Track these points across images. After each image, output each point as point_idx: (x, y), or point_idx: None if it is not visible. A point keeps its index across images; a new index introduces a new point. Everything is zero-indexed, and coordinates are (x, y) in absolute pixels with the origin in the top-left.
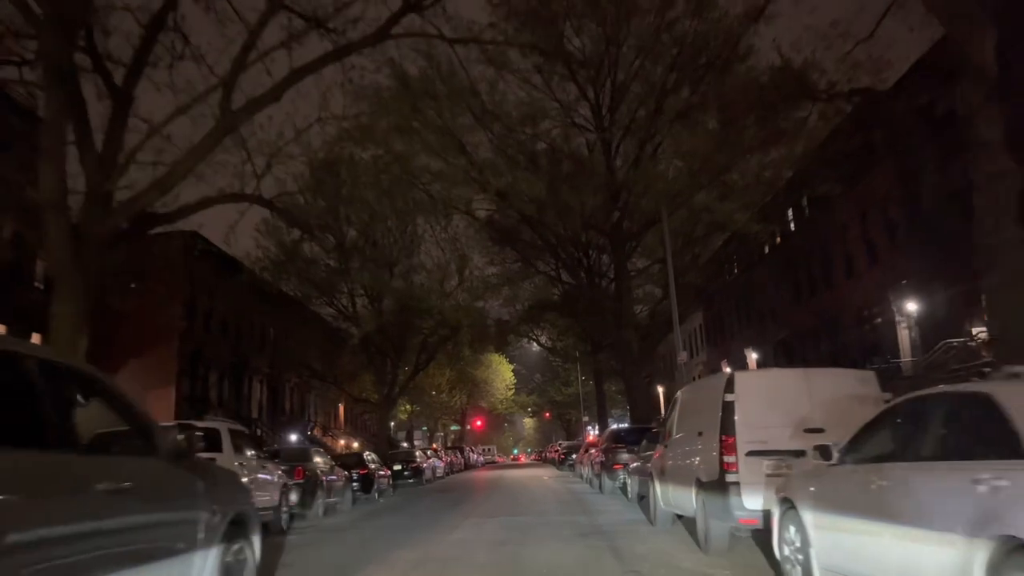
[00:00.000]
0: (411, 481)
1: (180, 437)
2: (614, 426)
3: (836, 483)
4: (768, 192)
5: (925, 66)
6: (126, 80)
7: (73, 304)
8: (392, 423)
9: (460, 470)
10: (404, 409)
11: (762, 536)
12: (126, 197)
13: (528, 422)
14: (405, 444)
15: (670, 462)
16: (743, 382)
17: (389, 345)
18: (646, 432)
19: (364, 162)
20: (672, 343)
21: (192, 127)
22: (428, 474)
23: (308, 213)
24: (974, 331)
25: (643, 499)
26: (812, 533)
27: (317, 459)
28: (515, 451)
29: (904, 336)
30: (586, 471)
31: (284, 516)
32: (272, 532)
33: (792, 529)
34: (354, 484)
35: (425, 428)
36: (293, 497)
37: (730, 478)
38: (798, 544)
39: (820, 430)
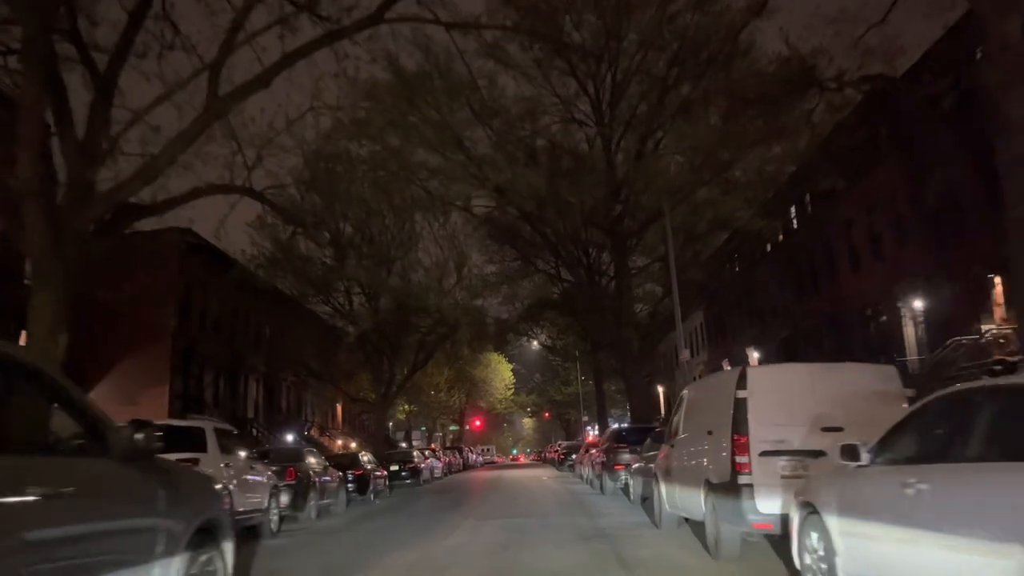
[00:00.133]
0: (408, 482)
1: (139, 436)
2: (615, 426)
3: (866, 486)
4: (771, 188)
5: (937, 55)
6: (109, 66)
7: (52, 296)
8: (390, 423)
9: (459, 470)
10: (402, 409)
11: (777, 541)
12: (110, 188)
13: (527, 422)
14: (403, 444)
15: (676, 463)
16: (756, 378)
17: (386, 343)
18: (648, 432)
19: (360, 157)
20: (672, 343)
21: (180, 117)
22: (426, 474)
23: (301, 207)
24: (983, 328)
25: (646, 501)
26: (838, 540)
27: (310, 459)
28: (514, 451)
29: (910, 334)
30: (586, 472)
31: (274, 519)
32: (261, 536)
33: (814, 536)
34: (349, 485)
35: (424, 428)
36: (284, 499)
37: (743, 480)
38: (821, 552)
39: (839, 429)
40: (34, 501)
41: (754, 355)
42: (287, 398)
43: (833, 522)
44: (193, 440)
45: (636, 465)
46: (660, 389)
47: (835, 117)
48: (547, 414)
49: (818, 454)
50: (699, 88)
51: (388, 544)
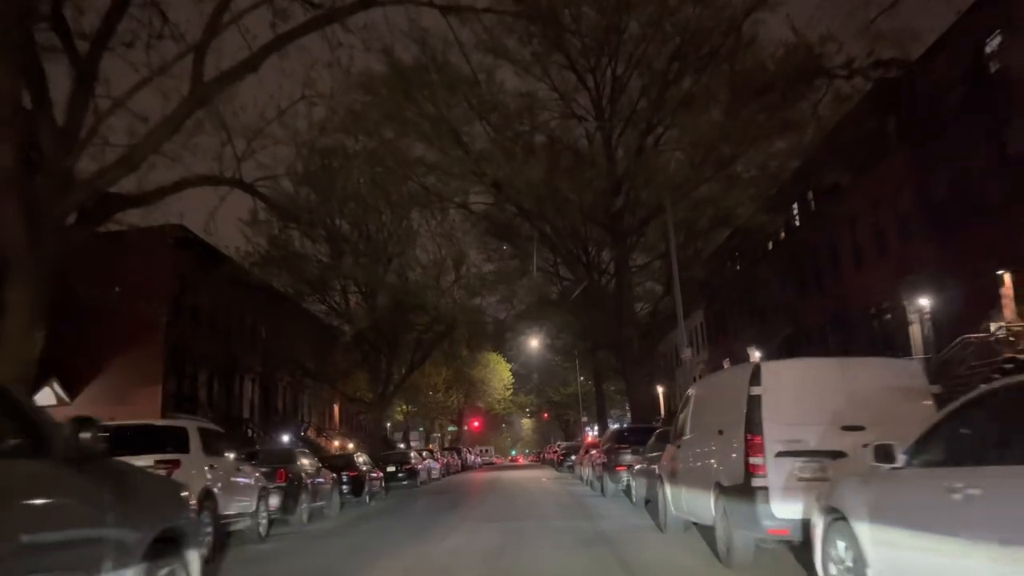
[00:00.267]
0: (405, 483)
1: (84, 435)
2: (617, 426)
3: (902, 490)
4: (774, 184)
5: (951, 40)
6: (91, 50)
7: (28, 290)
8: (388, 424)
9: (457, 471)
10: (400, 410)
11: (792, 547)
12: (91, 175)
13: (526, 423)
14: (401, 445)
15: (683, 464)
16: (771, 373)
17: (383, 342)
18: (650, 432)
19: (356, 152)
20: (671, 343)
21: (168, 107)
22: (423, 476)
23: (295, 201)
24: (993, 325)
25: (649, 503)
26: (869, 550)
27: (303, 460)
28: (513, 452)
29: (916, 332)
30: (586, 473)
31: (263, 522)
32: (248, 540)
33: (841, 545)
34: (344, 487)
35: (422, 429)
36: (274, 501)
37: (757, 482)
38: (849, 563)
39: (860, 428)
40: None
41: (755, 354)
42: (283, 398)
43: (863, 530)
44: (174, 440)
45: (639, 466)
46: (660, 389)
47: (842, 108)
48: (546, 415)
49: (838, 455)
50: (701, 82)
51: (381, 548)
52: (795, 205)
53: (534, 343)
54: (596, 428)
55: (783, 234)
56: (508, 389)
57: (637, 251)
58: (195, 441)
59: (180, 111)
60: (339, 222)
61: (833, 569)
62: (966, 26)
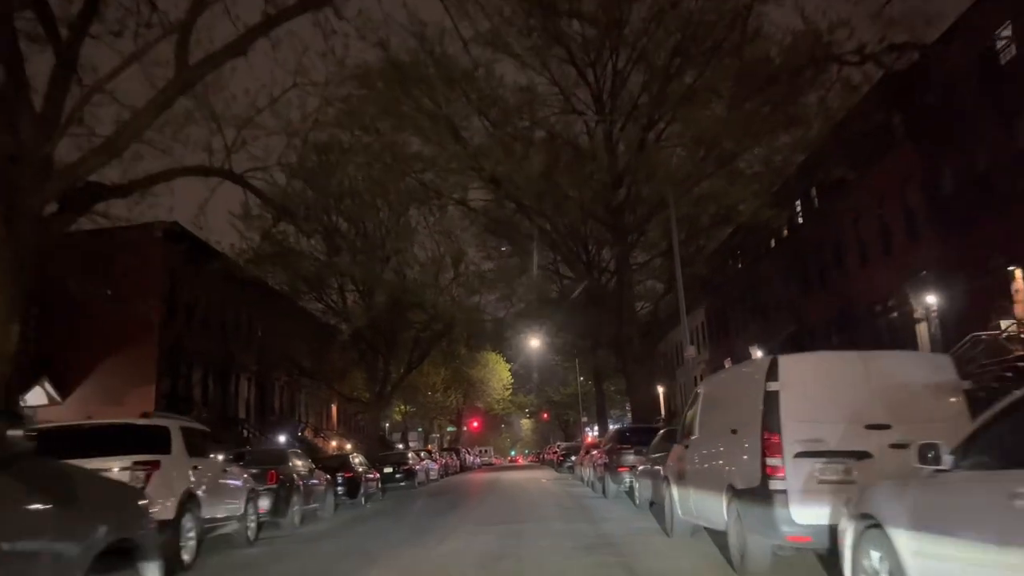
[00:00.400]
0: (403, 484)
1: (15, 433)
2: (619, 425)
3: (951, 496)
4: (777, 179)
5: (966, 25)
6: (72, 33)
7: (4, 282)
8: (387, 424)
9: (456, 472)
10: (399, 410)
11: (812, 555)
12: (71, 162)
13: (526, 423)
14: (400, 446)
15: (691, 465)
16: (789, 368)
17: (381, 341)
18: (653, 432)
19: (351, 146)
20: (672, 342)
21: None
22: (421, 476)
23: (286, 194)
24: (1003, 323)
25: (654, 505)
26: (910, 562)
27: (295, 461)
28: (512, 452)
29: (923, 330)
30: (587, 474)
31: (252, 526)
32: (236, 544)
33: (875, 555)
34: (339, 488)
35: (420, 429)
36: (264, 504)
37: (775, 485)
38: (884, 575)
39: (886, 426)
40: None
41: (757, 353)
42: (280, 398)
43: (903, 539)
44: (155, 441)
45: (642, 467)
46: (660, 389)
47: (850, 99)
48: (546, 415)
49: (863, 455)
50: (704, 76)
51: (374, 552)
52: (798, 202)
53: (534, 342)
54: (596, 428)
55: (786, 231)
56: (507, 389)
57: (638, 249)
58: (177, 441)
59: (165, 95)
60: (335, 218)
61: None
62: (976, 16)
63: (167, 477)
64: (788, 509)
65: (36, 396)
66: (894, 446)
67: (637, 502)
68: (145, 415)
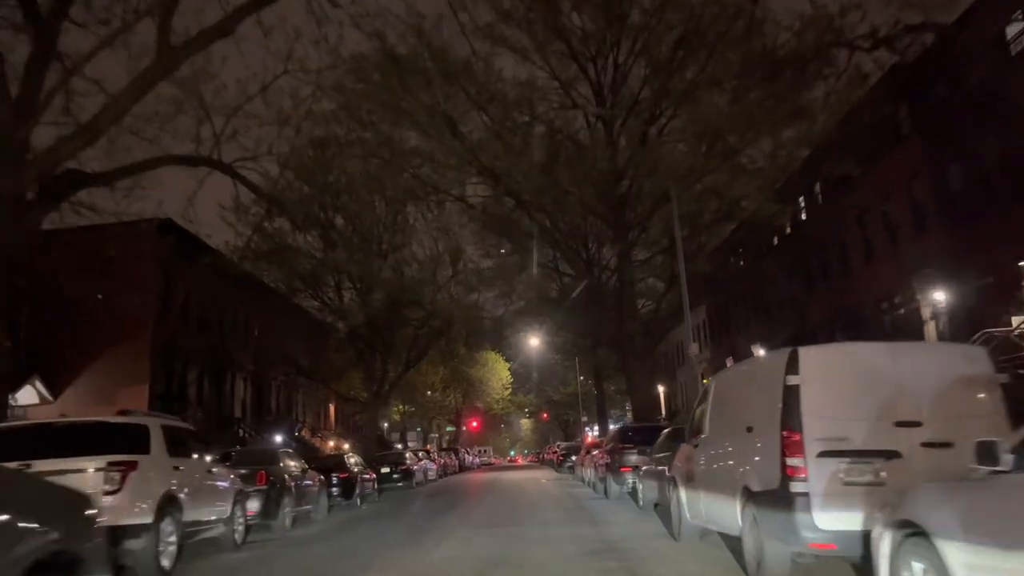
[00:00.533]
0: (400, 485)
1: None
2: (621, 424)
3: (1013, 502)
4: (781, 175)
5: (967, 23)
6: (50, 15)
7: None
8: (385, 424)
9: (454, 472)
10: (397, 409)
11: (834, 562)
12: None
13: (525, 423)
14: (399, 445)
15: (701, 465)
16: (810, 360)
17: (378, 339)
18: (656, 431)
19: (347, 140)
20: (672, 342)
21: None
22: (419, 477)
23: (278, 186)
24: (1015, 320)
25: (658, 507)
26: None
27: (288, 461)
28: (512, 452)
29: (930, 328)
30: (588, 474)
31: (239, 528)
32: (224, 548)
33: (918, 567)
34: (333, 489)
35: (419, 429)
36: (253, 505)
37: (796, 487)
38: None
39: (916, 423)
40: None
41: (760, 351)
42: (277, 398)
43: (953, 550)
44: (132, 439)
45: (646, 468)
46: (661, 389)
47: (859, 89)
48: (545, 415)
49: (892, 455)
50: (707, 70)
51: (366, 557)
52: (802, 198)
53: (533, 341)
54: (596, 428)
55: (789, 228)
56: (507, 389)
57: (639, 246)
58: (157, 440)
59: (145, 77)
60: (331, 214)
61: None
62: (984, 9)
63: (145, 478)
64: (810, 514)
65: (27, 395)
66: (926, 444)
67: (641, 504)
68: (123, 412)
